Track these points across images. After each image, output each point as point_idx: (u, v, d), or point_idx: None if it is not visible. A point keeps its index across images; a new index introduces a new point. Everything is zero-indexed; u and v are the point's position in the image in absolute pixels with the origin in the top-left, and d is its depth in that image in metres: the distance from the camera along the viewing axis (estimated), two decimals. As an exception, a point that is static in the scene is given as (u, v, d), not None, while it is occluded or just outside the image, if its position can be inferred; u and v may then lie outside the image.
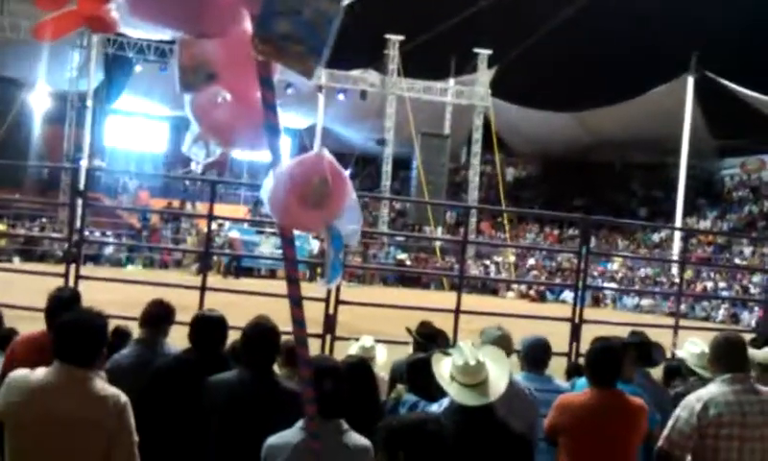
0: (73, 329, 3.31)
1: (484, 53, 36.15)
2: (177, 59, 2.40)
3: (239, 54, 2.28)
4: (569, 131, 38.49)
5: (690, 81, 33.97)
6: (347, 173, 2.31)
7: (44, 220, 29.15)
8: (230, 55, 2.33)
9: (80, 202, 9.06)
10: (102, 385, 3.34)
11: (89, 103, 31.67)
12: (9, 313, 7.03)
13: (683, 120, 34.24)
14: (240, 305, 4.17)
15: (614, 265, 34.82)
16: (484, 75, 36.61)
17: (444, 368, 3.74)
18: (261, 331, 3.98)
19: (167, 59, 31.84)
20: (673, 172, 35.79)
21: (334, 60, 30.50)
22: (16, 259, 23.60)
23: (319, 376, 3.31)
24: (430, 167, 35.28)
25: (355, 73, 35.34)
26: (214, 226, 24.65)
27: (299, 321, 2.30)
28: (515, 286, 31.90)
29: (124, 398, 3.31)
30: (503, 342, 4.69)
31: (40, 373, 3.28)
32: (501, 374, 3.68)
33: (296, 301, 2.30)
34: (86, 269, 11.00)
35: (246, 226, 29.37)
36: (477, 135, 37.31)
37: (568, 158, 41.26)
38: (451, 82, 37.39)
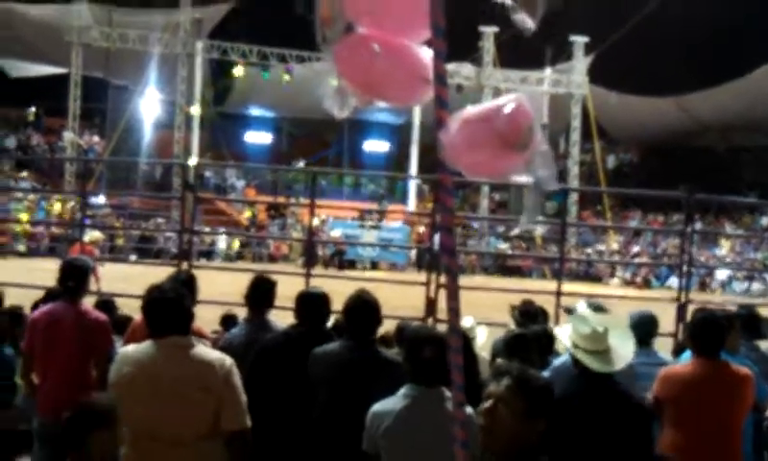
0: (158, 304, 3.52)
1: (580, 40, 35.38)
2: (316, 12, 2.32)
3: None
4: (670, 115, 37.15)
5: (797, 58, 32.32)
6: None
7: (159, 220, 30.20)
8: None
9: (190, 196, 9.48)
10: (206, 350, 3.53)
11: (196, 107, 32.73)
12: (125, 303, 7.43)
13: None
14: (343, 294, 4.33)
15: (723, 250, 33.66)
16: (581, 62, 35.82)
17: (563, 334, 3.78)
18: (362, 303, 4.13)
19: (268, 61, 32.66)
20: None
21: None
22: (133, 257, 24.60)
23: (419, 343, 3.40)
24: (529, 158, 34.79)
25: (450, 67, 35.24)
26: (317, 222, 25.18)
27: (450, 269, 2.31)
28: (619, 274, 31.19)
29: (229, 360, 3.46)
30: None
31: (147, 344, 3.48)
32: (624, 343, 3.67)
33: (449, 250, 2.30)
34: (199, 264, 11.49)
35: (348, 220, 29.93)
36: (576, 124, 36.55)
37: (670, 144, 39.87)
38: (548, 71, 36.75)
